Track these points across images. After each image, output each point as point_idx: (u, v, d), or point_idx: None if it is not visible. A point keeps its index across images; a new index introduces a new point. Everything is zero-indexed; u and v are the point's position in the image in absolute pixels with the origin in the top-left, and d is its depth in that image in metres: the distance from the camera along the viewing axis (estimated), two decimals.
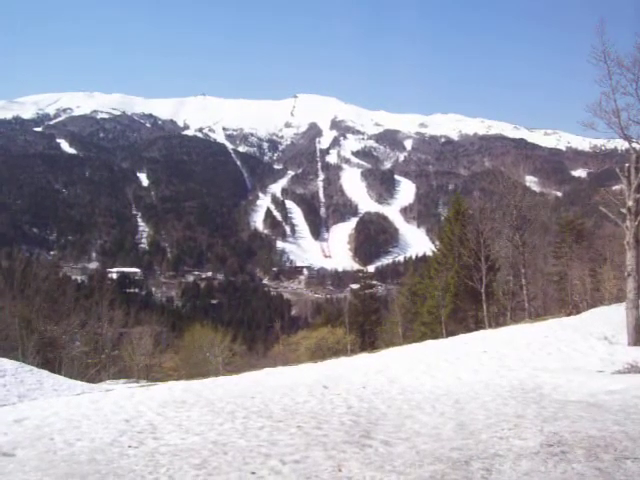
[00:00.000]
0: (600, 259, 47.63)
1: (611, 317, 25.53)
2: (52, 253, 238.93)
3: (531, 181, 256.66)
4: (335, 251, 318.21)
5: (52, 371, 28.31)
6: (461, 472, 6.89)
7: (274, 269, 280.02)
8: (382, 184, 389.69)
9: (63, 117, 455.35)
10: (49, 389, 21.15)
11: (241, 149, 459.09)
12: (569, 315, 34.63)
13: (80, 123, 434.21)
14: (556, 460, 7.12)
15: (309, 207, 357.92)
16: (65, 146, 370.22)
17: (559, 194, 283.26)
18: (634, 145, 20.59)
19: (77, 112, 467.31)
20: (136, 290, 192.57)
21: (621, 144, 23.39)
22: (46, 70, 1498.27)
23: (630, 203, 20.39)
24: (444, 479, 6.70)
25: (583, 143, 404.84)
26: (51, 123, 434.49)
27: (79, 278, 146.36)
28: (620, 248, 27.90)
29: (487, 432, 8.71)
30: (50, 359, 38.72)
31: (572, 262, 45.60)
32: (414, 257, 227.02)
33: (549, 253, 54.08)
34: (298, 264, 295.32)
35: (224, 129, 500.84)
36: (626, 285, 21.24)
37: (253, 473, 7.29)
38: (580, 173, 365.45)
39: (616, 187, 25.12)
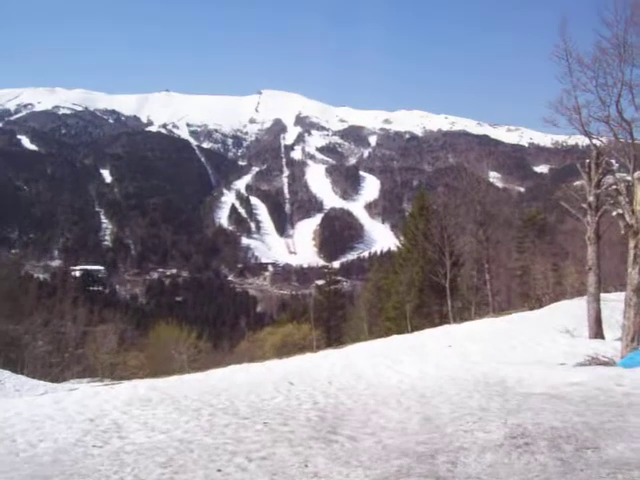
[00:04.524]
0: (562, 254, 48.45)
1: (573, 311, 25.99)
2: (13, 251, 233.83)
3: (494, 177, 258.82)
4: (300, 247, 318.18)
5: (14, 371, 27.94)
6: (427, 466, 6.93)
7: (239, 266, 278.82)
8: (347, 180, 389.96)
9: (24, 113, 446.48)
10: (11, 389, 20.86)
11: (205, 145, 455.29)
12: (532, 309, 35.22)
13: (41, 119, 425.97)
14: (520, 452, 7.20)
15: (274, 203, 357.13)
16: (26, 142, 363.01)
17: (522, 190, 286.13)
18: (594, 141, 20.94)
19: (38, 108, 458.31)
20: (100, 288, 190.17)
21: (582, 140, 23.78)
22: (6, 65, 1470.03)
23: (591, 198, 20.74)
24: (410, 473, 6.73)
25: (545, 139, 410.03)
26: (11, 119, 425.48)
27: (41, 276, 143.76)
28: (581, 243, 28.34)
29: (452, 425, 8.78)
30: (12, 359, 38.14)
31: (535, 257, 46.23)
32: (379, 253, 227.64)
33: (512, 248, 54.70)
34: (263, 260, 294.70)
35: (188, 125, 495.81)
36: (587, 279, 21.61)
37: (219, 470, 7.26)
38: (542, 169, 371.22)
39: (577, 183, 25.59)
